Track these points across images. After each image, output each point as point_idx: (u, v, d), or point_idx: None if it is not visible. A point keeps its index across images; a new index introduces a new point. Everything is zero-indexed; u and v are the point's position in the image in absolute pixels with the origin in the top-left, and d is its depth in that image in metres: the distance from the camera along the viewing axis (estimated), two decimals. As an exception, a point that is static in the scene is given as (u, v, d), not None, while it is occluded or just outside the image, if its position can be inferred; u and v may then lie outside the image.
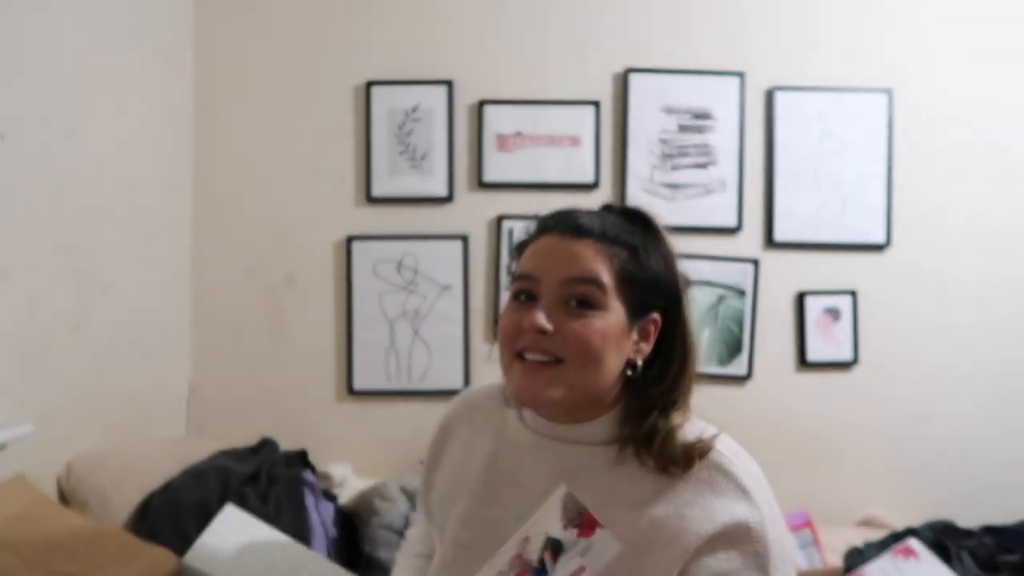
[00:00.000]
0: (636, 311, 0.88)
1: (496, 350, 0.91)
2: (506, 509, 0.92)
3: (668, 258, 0.91)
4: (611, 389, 0.89)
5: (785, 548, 0.85)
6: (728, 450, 0.88)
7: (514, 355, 0.87)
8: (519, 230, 0.96)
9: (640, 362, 0.89)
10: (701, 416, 0.93)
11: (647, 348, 0.90)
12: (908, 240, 2.41)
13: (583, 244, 0.86)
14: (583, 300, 0.85)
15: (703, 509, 0.82)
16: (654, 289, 0.89)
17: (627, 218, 0.92)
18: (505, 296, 0.94)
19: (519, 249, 0.94)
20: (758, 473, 0.88)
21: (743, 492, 0.84)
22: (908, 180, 2.42)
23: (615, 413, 0.90)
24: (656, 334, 0.90)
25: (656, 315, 0.90)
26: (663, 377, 0.89)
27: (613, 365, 0.87)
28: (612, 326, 0.85)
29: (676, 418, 0.88)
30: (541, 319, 0.84)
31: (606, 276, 0.86)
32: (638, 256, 0.88)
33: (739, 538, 0.81)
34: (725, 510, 0.82)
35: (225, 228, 2.40)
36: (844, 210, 2.41)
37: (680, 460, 0.85)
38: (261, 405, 2.38)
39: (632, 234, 0.89)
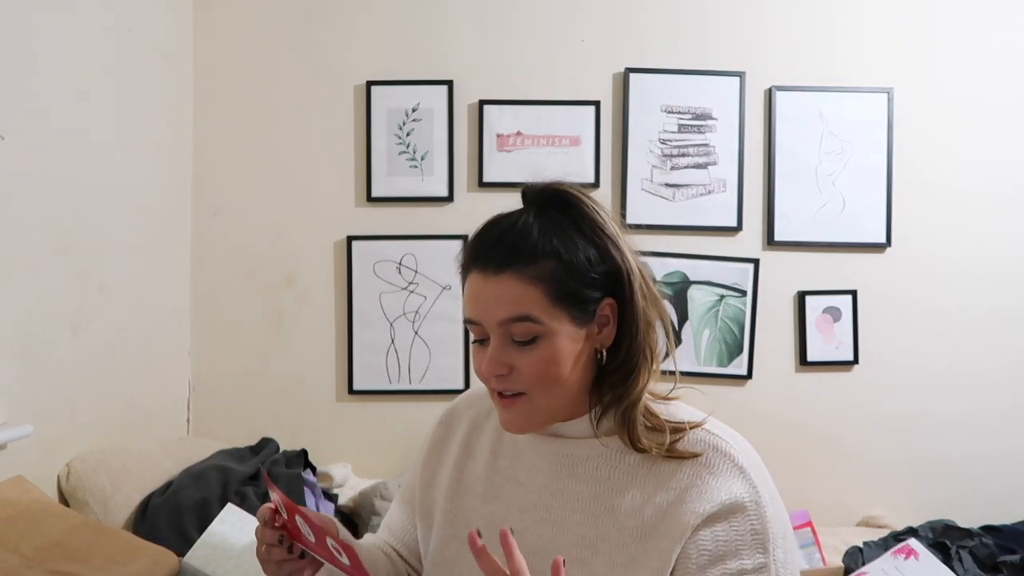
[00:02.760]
0: (582, 313, 0.86)
1: None
2: (507, 506, 0.93)
3: (596, 235, 0.87)
4: (585, 386, 0.89)
5: (785, 526, 0.85)
6: (722, 431, 0.88)
7: (491, 391, 0.90)
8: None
9: (605, 349, 0.89)
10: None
11: (611, 331, 0.88)
12: (908, 240, 2.41)
13: (505, 280, 0.84)
14: (522, 334, 0.85)
15: (700, 490, 0.83)
16: (591, 283, 0.86)
17: (545, 210, 0.89)
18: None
19: (462, 281, 0.93)
20: (753, 453, 0.88)
21: (739, 470, 0.84)
22: (908, 180, 2.42)
23: (598, 408, 0.90)
24: (615, 314, 0.88)
25: (608, 300, 0.87)
26: (620, 348, 0.88)
27: (576, 374, 0.87)
28: (561, 346, 0.85)
29: (641, 380, 0.87)
30: (493, 367, 0.86)
31: (535, 307, 0.84)
32: (563, 260, 0.85)
33: (736, 515, 0.82)
34: (722, 489, 0.82)
35: (225, 228, 2.40)
36: (844, 210, 2.41)
37: (643, 432, 0.85)
38: (261, 405, 2.38)
39: (551, 238, 0.85)
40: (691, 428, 0.87)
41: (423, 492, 1.03)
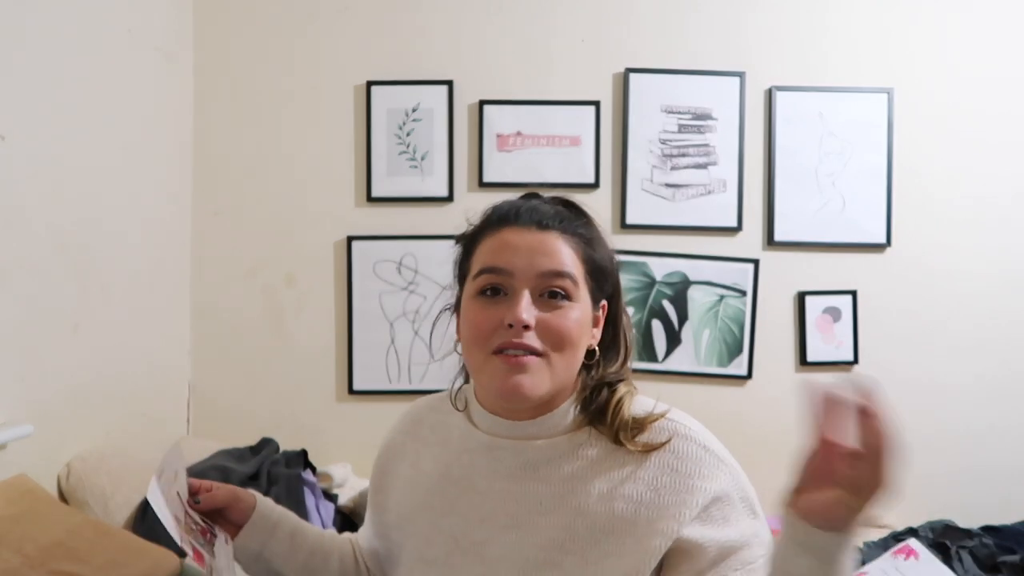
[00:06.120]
0: (595, 300, 0.90)
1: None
2: (466, 517, 0.90)
3: (607, 246, 0.93)
4: (574, 376, 0.90)
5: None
6: (679, 417, 0.89)
7: (490, 352, 0.85)
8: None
9: (594, 346, 0.91)
10: (694, 414, 0.93)
11: (599, 334, 0.92)
12: (908, 240, 2.41)
13: (551, 236, 0.87)
14: (556, 292, 0.86)
15: (673, 479, 0.83)
16: (605, 279, 0.91)
17: (570, 208, 0.93)
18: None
19: (469, 241, 0.93)
20: (708, 431, 0.89)
21: (705, 450, 0.85)
22: (908, 180, 2.42)
23: (572, 400, 0.90)
24: (604, 318, 0.93)
25: (605, 303, 0.92)
26: (615, 359, 0.92)
27: (581, 354, 0.88)
28: (582, 316, 0.87)
29: (621, 389, 0.90)
30: (527, 314, 0.83)
31: (576, 268, 0.87)
32: (592, 247, 0.90)
33: (727, 496, 0.83)
34: (701, 477, 0.83)
35: (225, 228, 2.39)
36: (844, 210, 2.41)
37: (629, 426, 0.86)
38: (261, 405, 2.38)
39: (584, 225, 0.91)
40: (656, 419, 0.87)
41: (376, 515, 1.03)
